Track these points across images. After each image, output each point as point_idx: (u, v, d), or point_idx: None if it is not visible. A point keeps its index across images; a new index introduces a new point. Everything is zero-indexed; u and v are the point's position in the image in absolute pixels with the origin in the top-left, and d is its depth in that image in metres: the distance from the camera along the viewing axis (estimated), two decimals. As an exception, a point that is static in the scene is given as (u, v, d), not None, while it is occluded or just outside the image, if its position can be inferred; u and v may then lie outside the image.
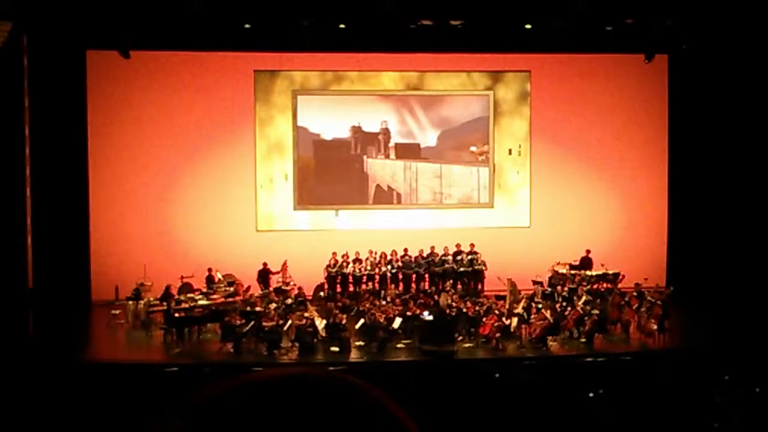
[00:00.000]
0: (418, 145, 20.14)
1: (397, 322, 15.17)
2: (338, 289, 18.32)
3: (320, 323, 14.91)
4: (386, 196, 20.18)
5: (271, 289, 17.46)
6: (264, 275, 17.97)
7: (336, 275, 18.41)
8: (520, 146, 20.22)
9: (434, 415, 9.59)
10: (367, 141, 20.02)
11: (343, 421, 1.02)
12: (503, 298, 16.58)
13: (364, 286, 18.37)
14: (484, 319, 15.33)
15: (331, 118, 19.89)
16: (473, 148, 20.16)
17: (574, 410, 10.67)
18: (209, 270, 17.60)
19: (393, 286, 18.55)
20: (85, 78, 18.54)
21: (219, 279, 17.53)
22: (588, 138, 20.17)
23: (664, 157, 20.21)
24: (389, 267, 18.61)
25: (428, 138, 20.18)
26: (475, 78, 20.10)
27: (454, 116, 20.21)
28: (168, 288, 16.39)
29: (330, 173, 19.98)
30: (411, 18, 17.47)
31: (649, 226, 20.16)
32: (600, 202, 20.26)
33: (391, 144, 20.04)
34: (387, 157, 20.07)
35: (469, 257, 18.74)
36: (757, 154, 18.17)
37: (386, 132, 20.02)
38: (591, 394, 11.10)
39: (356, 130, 19.95)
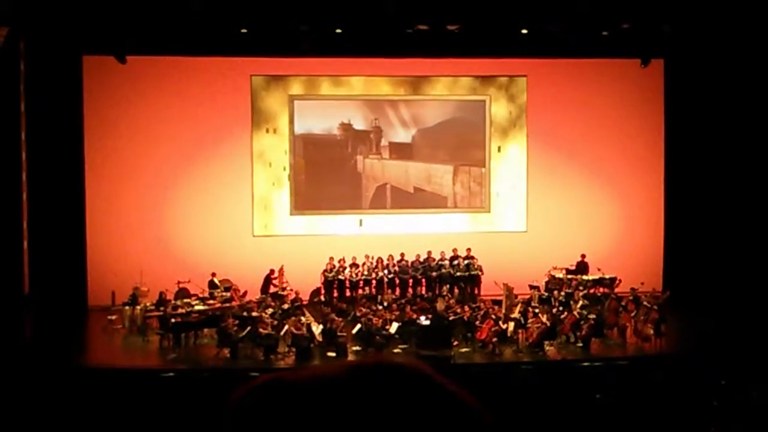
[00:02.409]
0: (411, 145, 20.10)
1: (394, 327, 15.16)
2: (335, 294, 18.28)
3: (317, 328, 14.89)
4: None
5: (267, 294, 17.45)
6: (267, 281, 17.95)
7: (333, 280, 18.37)
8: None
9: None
10: (358, 139, 19.90)
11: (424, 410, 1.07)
12: (500, 302, 16.57)
13: (360, 291, 18.34)
14: (480, 324, 15.33)
15: (319, 115, 19.76)
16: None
17: (572, 415, 10.67)
18: (213, 275, 17.56)
19: (390, 290, 18.51)
20: (81, 83, 18.53)
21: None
22: (584, 142, 20.19)
23: (661, 161, 20.24)
24: (386, 272, 18.58)
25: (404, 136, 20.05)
26: (471, 82, 20.10)
27: (443, 117, 20.11)
28: (163, 293, 16.37)
29: (323, 173, 19.82)
30: (408, 23, 17.50)
31: (646, 230, 20.18)
32: (596, 206, 20.27)
33: (384, 143, 19.95)
34: (381, 156, 19.97)
35: (466, 262, 18.73)
36: (753, 158, 18.21)
37: (378, 130, 19.94)
38: (588, 399, 11.10)
39: (346, 127, 19.87)
